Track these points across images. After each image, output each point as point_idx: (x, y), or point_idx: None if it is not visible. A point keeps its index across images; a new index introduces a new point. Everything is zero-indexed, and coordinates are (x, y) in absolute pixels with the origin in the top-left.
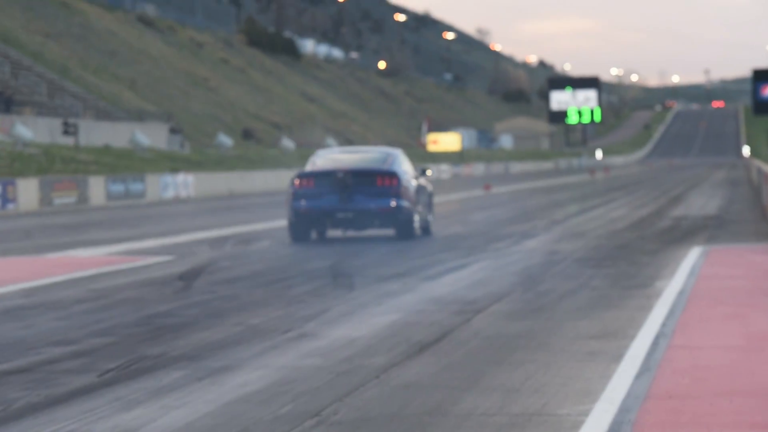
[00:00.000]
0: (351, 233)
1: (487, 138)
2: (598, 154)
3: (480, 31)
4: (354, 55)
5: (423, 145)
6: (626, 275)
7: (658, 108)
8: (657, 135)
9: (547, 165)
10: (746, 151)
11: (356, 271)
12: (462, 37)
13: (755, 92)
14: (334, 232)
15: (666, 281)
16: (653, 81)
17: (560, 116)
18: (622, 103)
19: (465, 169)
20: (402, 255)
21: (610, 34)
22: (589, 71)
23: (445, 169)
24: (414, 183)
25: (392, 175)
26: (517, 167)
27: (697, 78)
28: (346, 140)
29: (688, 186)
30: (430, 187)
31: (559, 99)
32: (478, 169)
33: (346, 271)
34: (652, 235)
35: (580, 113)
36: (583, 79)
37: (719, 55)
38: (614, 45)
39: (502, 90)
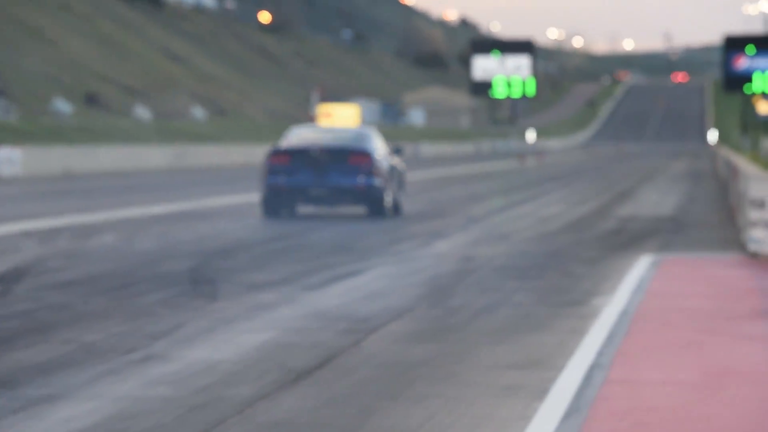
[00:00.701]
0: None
1: (393, 112)
2: (531, 135)
3: None
4: (230, 4)
5: (313, 119)
6: (557, 289)
7: (606, 80)
8: (604, 114)
9: (467, 148)
10: (713, 136)
11: (222, 276)
12: None
13: (726, 64)
14: (306, 209)
15: (606, 298)
16: (601, 47)
17: (484, 87)
18: (562, 73)
19: None
20: (282, 256)
21: None
22: (521, 32)
23: None
24: (386, 162)
25: (365, 154)
26: (429, 149)
27: (655, 44)
28: (218, 110)
29: (639, 178)
30: (402, 166)
31: (483, 66)
32: None
33: (210, 275)
34: (592, 240)
35: (509, 84)
36: (514, 43)
37: (683, 16)
38: (554, 1)
39: (414, 53)
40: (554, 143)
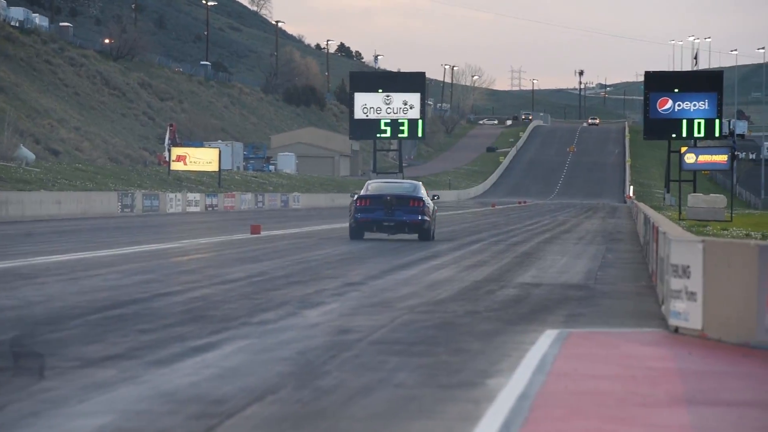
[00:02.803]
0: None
1: (259, 156)
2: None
3: None
4: (65, 24)
5: (165, 162)
6: (447, 368)
7: (508, 123)
8: (505, 161)
9: (345, 199)
10: (631, 189)
11: (50, 349)
12: (228, 6)
13: (648, 106)
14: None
15: (503, 379)
16: (503, 84)
17: (367, 129)
18: (458, 113)
19: (224, 201)
20: (123, 325)
21: (444, 14)
22: (410, 65)
23: (194, 200)
24: (430, 204)
25: (419, 200)
26: (301, 201)
27: (566, 82)
28: (51, 151)
29: (544, 238)
30: (435, 207)
31: (365, 104)
32: (244, 201)
33: (35, 348)
34: (488, 310)
35: (395, 126)
36: (403, 78)
37: (598, 51)
38: (448, 30)
39: (284, 87)
40: (447, 195)
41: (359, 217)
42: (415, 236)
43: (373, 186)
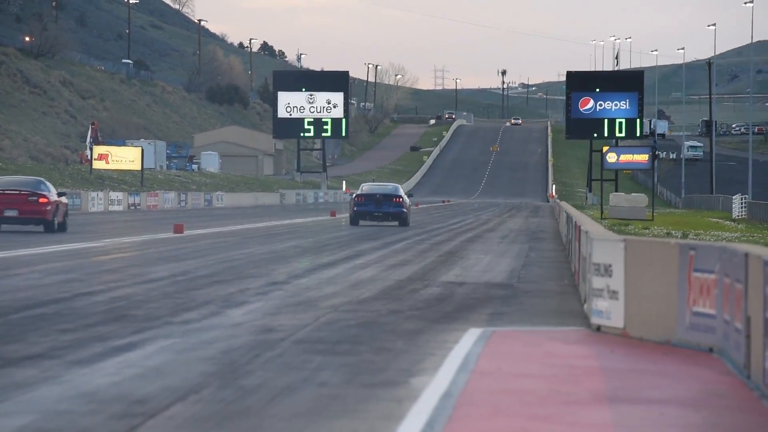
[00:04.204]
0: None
1: (182, 155)
2: (343, 186)
3: None
4: None
5: (87, 161)
6: (370, 367)
7: (431, 122)
8: (429, 161)
9: (270, 198)
10: (553, 189)
11: None
12: (150, 4)
13: (570, 106)
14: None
15: (426, 378)
16: (427, 83)
17: (291, 128)
18: (381, 112)
19: (147, 200)
20: (44, 325)
21: (367, 13)
22: (334, 65)
23: (116, 199)
24: (407, 200)
25: (400, 197)
26: (225, 200)
27: (489, 81)
28: None
29: (468, 237)
30: (410, 202)
31: (289, 102)
32: (167, 200)
33: None
34: (412, 309)
35: (319, 125)
36: (326, 76)
37: (521, 51)
38: (372, 29)
39: (207, 86)
40: None
41: (357, 209)
42: (395, 223)
43: (366, 187)
